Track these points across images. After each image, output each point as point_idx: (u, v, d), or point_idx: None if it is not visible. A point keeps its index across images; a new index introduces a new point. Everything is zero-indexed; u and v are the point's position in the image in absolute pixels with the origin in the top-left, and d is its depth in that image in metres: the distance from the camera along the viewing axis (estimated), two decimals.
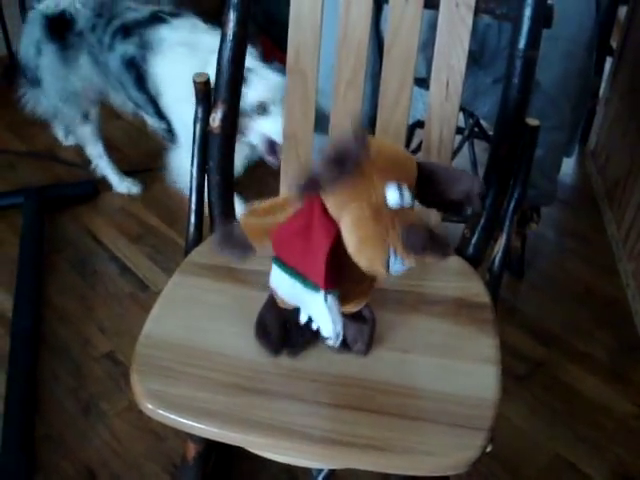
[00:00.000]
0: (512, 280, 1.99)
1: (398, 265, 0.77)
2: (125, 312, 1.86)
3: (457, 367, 0.91)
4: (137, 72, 1.91)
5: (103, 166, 2.26)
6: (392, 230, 0.75)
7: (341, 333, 0.86)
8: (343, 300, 0.86)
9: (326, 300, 0.81)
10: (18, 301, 1.83)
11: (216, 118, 1.08)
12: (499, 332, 0.96)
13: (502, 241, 1.07)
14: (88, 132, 2.20)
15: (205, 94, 1.09)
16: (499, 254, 1.07)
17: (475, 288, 1.03)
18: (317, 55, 1.08)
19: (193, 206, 1.13)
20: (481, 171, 1.13)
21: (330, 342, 0.89)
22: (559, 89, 1.68)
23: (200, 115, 1.10)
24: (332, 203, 0.79)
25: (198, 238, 1.13)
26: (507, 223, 1.07)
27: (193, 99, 1.10)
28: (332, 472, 1.28)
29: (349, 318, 0.91)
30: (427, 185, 0.84)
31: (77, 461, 1.50)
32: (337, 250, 0.78)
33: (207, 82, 1.09)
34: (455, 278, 1.05)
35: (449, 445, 0.81)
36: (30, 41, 2.03)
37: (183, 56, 1.83)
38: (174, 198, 1.86)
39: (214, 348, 0.92)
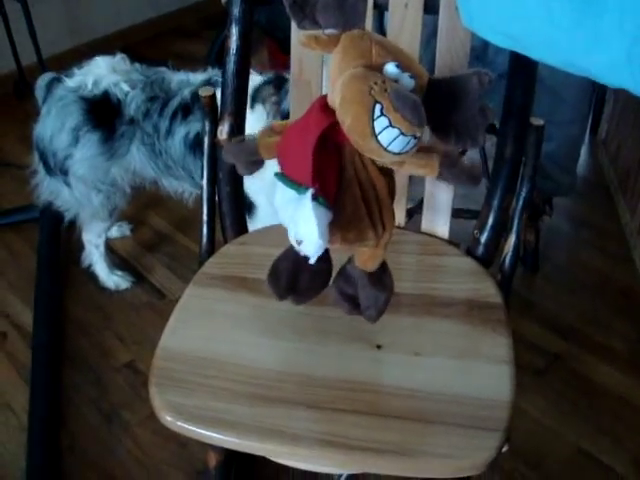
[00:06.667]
0: (527, 274, 1.99)
1: (388, 132, 0.71)
2: (143, 321, 1.88)
3: (470, 368, 0.92)
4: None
5: (95, 257, 1.98)
6: (381, 83, 0.72)
7: (323, 246, 0.75)
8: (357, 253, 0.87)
9: (314, 199, 0.73)
10: (37, 314, 1.86)
11: (223, 131, 1.10)
12: (511, 332, 0.97)
13: (512, 240, 1.08)
14: (103, 227, 1.93)
15: (212, 108, 1.10)
16: (510, 253, 1.08)
17: (487, 289, 1.03)
18: (321, 64, 1.09)
19: (205, 217, 1.15)
20: (491, 165, 1.14)
21: (310, 258, 0.77)
22: (564, 82, 1.67)
23: (208, 128, 1.12)
24: (334, 66, 0.77)
25: (211, 249, 1.15)
26: (516, 221, 1.08)
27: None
28: (353, 475, 1.29)
29: (368, 281, 0.90)
30: (437, 100, 0.79)
31: (101, 471, 1.52)
32: (330, 160, 0.76)
33: (213, 96, 1.10)
34: (466, 279, 1.06)
35: (465, 447, 0.82)
36: (61, 127, 1.71)
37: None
38: (187, 206, 1.87)
39: (230, 358, 0.93)
